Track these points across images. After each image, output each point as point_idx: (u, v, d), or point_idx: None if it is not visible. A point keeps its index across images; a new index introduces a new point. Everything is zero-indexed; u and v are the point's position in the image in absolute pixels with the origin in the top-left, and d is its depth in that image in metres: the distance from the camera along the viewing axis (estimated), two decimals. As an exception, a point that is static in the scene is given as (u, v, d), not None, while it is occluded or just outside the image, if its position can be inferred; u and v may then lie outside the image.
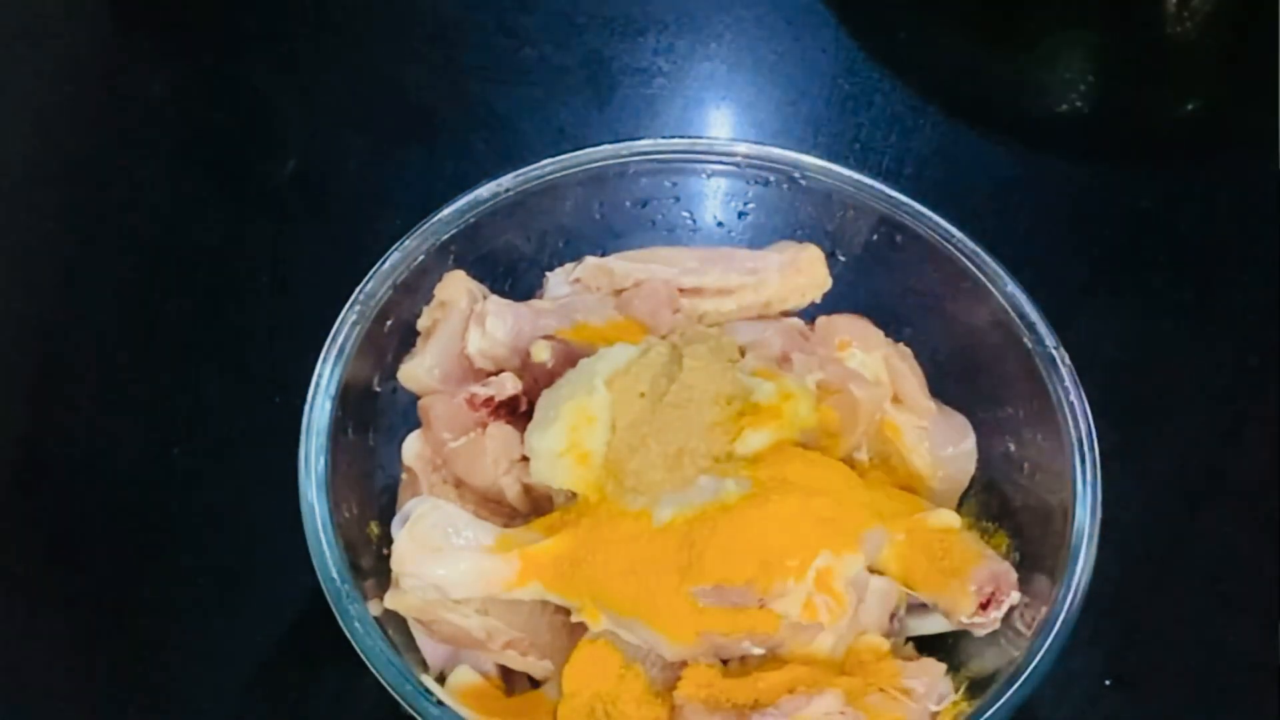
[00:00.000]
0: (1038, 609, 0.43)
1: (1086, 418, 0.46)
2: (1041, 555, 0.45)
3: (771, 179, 0.53)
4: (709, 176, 0.53)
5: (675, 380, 0.43)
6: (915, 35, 0.75)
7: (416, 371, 0.48)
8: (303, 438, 0.44)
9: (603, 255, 0.53)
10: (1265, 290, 0.64)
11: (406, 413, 0.49)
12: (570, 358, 0.46)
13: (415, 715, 0.40)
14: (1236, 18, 0.76)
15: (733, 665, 0.43)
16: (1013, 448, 0.49)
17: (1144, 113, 0.73)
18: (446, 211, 0.50)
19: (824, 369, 0.48)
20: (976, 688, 0.43)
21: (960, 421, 0.51)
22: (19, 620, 0.54)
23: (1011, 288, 0.48)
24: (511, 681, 0.46)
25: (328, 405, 0.45)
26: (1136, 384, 0.61)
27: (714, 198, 0.54)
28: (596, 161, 0.52)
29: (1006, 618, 0.44)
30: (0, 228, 0.65)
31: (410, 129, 0.69)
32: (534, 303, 0.51)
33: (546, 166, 0.51)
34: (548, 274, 0.53)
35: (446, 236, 0.50)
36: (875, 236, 0.52)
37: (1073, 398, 0.46)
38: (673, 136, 0.53)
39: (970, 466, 0.51)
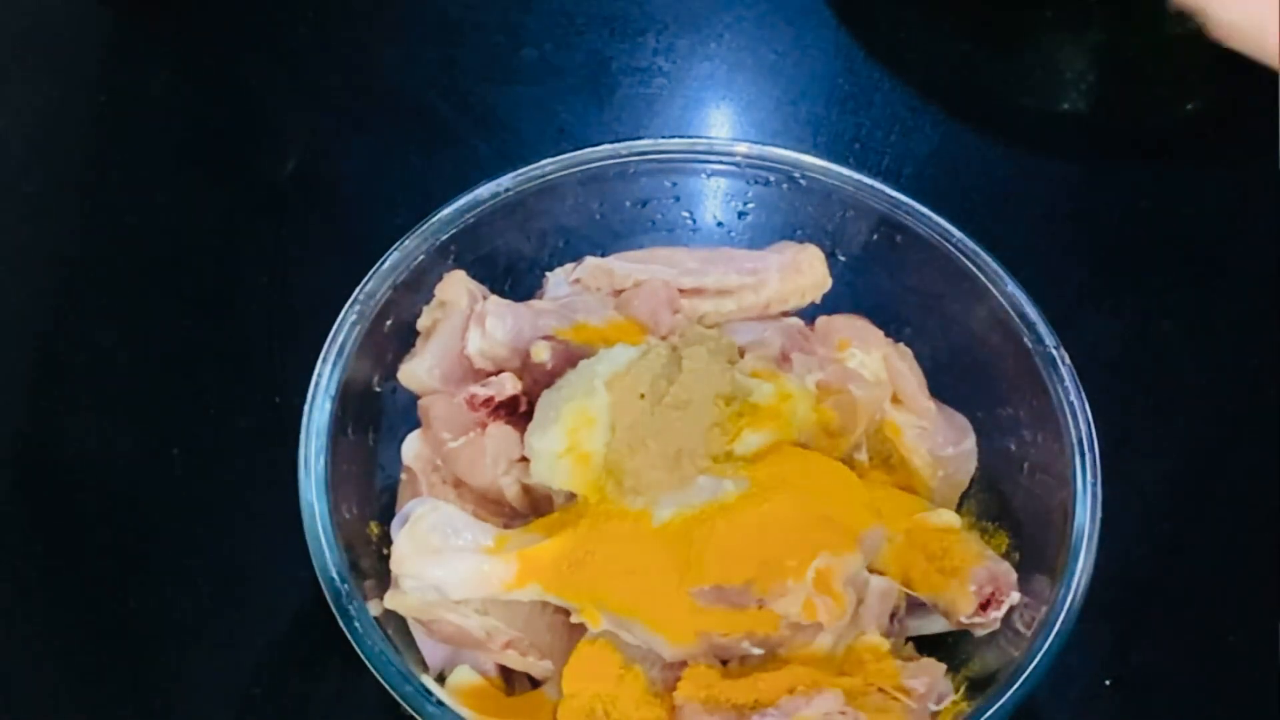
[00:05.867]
0: (1038, 609, 0.43)
1: (1086, 418, 0.46)
2: (1041, 555, 0.45)
3: (771, 179, 0.53)
4: (709, 176, 0.53)
5: (675, 381, 0.43)
6: (915, 35, 0.75)
7: (416, 371, 0.48)
8: (303, 438, 0.44)
9: (603, 255, 0.53)
10: (1265, 290, 0.64)
11: (406, 413, 0.49)
12: (570, 358, 0.46)
13: (415, 715, 0.40)
14: (1237, 17, 0.76)
15: (733, 666, 0.43)
16: (1013, 448, 0.49)
17: (1144, 113, 0.73)
18: (446, 211, 0.50)
19: (824, 369, 0.48)
20: (976, 688, 0.43)
21: (960, 421, 0.51)
22: (19, 620, 0.54)
23: (1011, 288, 0.48)
24: (511, 681, 0.46)
25: (328, 405, 0.45)
26: (1136, 384, 0.61)
27: (714, 198, 0.54)
28: (596, 161, 0.52)
29: (1006, 618, 0.44)
30: (0, 228, 0.65)
31: (410, 129, 0.69)
32: (534, 303, 0.51)
33: (546, 166, 0.51)
34: (548, 274, 0.53)
35: (446, 236, 0.50)
36: (875, 236, 0.52)
37: (1073, 398, 0.46)
38: (673, 136, 0.53)
39: (970, 466, 0.51)
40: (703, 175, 0.53)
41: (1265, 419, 0.60)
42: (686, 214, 0.54)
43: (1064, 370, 0.47)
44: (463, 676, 0.45)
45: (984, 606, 0.44)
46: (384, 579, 0.44)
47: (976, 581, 0.44)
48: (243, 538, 0.55)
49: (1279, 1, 0.29)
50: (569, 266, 0.53)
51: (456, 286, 0.50)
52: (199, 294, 0.63)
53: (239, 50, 0.73)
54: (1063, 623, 0.42)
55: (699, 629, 0.41)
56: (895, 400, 0.51)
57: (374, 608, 0.43)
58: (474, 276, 0.51)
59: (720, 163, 0.53)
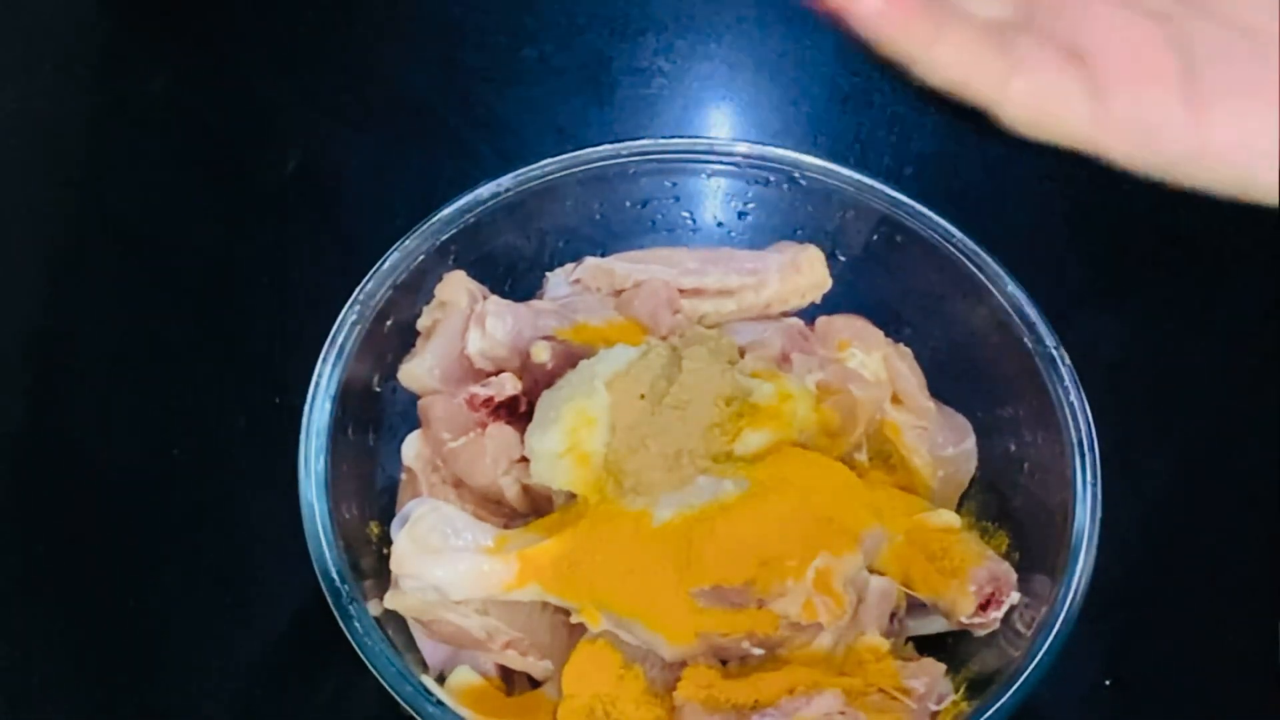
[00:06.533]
0: (1038, 609, 0.43)
1: (1086, 418, 0.46)
2: (1041, 555, 0.45)
3: (771, 179, 0.53)
4: (709, 176, 0.53)
5: (675, 381, 0.43)
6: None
7: (416, 371, 0.48)
8: (303, 438, 0.44)
9: (603, 255, 0.53)
10: (1265, 290, 0.64)
11: (406, 413, 0.49)
12: (570, 358, 0.46)
13: (415, 715, 0.40)
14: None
15: (732, 666, 0.43)
16: (1013, 448, 0.49)
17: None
18: (446, 211, 0.50)
19: (824, 369, 0.48)
20: (976, 688, 0.43)
21: (960, 421, 0.51)
22: (19, 620, 0.54)
23: (1011, 288, 0.48)
24: (511, 681, 0.46)
25: (328, 405, 0.45)
26: (1136, 384, 0.61)
27: (714, 198, 0.54)
28: (596, 161, 0.52)
29: (1006, 618, 0.44)
30: (0, 227, 0.65)
31: (410, 129, 0.69)
32: (534, 303, 0.51)
33: (546, 166, 0.51)
34: (548, 274, 0.53)
35: (446, 236, 0.50)
36: (875, 236, 0.52)
37: (1073, 398, 0.46)
38: (673, 136, 0.53)
39: (970, 466, 0.51)
40: (703, 175, 0.53)
41: (1265, 419, 0.60)
42: (686, 214, 0.54)
43: (1064, 370, 0.47)
44: (463, 676, 0.45)
45: (984, 606, 0.44)
46: (384, 579, 0.44)
47: (976, 581, 0.44)
48: (243, 538, 0.55)
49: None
50: (569, 266, 0.53)
51: (456, 286, 0.50)
52: (199, 295, 0.63)
53: (239, 51, 0.73)
54: (1063, 623, 0.42)
55: (699, 629, 0.41)
56: (895, 400, 0.51)
57: (374, 608, 0.43)
58: (474, 276, 0.51)
59: (720, 163, 0.53)
